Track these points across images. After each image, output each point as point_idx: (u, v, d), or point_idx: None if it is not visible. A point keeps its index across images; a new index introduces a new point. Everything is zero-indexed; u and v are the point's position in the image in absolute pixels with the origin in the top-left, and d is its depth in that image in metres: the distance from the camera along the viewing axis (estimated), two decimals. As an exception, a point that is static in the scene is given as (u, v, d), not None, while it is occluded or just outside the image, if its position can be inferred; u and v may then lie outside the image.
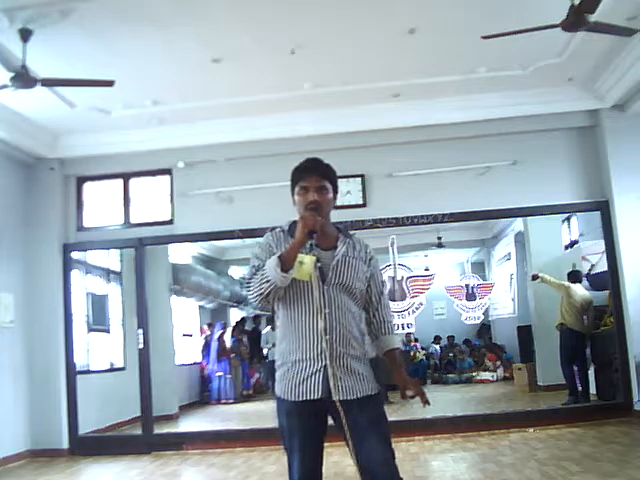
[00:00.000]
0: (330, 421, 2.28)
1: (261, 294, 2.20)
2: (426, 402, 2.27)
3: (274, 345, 11.70)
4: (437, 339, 14.07)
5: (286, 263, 2.15)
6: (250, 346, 12.37)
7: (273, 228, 2.41)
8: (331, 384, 2.17)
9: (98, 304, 8.39)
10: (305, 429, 2.21)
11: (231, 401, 10.77)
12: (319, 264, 2.23)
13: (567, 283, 7.64)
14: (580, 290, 7.56)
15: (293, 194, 2.38)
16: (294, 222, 2.33)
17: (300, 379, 2.21)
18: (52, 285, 6.65)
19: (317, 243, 2.26)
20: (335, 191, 2.39)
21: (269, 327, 12.26)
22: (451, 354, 13.12)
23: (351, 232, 2.46)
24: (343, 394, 2.18)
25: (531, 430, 6.01)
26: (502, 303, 11.75)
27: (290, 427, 2.23)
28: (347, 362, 2.22)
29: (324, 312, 2.21)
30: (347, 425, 2.17)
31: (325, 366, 2.19)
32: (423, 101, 6.28)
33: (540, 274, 8.11)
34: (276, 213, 6.45)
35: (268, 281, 2.16)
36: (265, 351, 11.98)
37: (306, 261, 2.18)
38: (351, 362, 2.23)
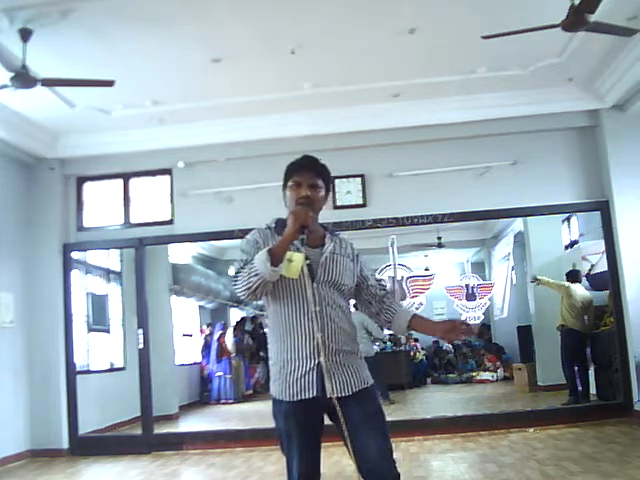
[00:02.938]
0: (327, 420, 2.25)
1: (249, 288, 2.15)
2: (472, 330, 2.24)
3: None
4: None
5: (276, 257, 2.11)
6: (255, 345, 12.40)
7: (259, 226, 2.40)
8: (326, 381, 2.16)
9: (98, 304, 8.39)
10: (302, 429, 2.19)
11: (231, 401, 10.76)
12: (307, 261, 2.21)
13: (567, 283, 7.64)
14: (580, 290, 7.56)
15: (284, 189, 2.36)
16: (279, 220, 2.34)
17: (294, 378, 2.18)
18: (52, 285, 6.64)
19: (307, 240, 2.23)
20: (327, 191, 2.38)
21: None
22: (451, 354, 13.10)
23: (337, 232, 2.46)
24: (338, 391, 2.17)
25: (531, 430, 6.00)
26: (499, 304, 11.78)
27: (287, 428, 2.20)
28: (340, 358, 2.21)
29: (315, 310, 2.20)
30: (344, 421, 2.16)
31: (318, 364, 2.17)
32: (423, 101, 6.28)
33: (539, 277, 8.11)
34: (276, 213, 6.48)
35: (257, 275, 2.12)
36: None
37: (295, 259, 2.15)
38: (344, 357, 2.23)
